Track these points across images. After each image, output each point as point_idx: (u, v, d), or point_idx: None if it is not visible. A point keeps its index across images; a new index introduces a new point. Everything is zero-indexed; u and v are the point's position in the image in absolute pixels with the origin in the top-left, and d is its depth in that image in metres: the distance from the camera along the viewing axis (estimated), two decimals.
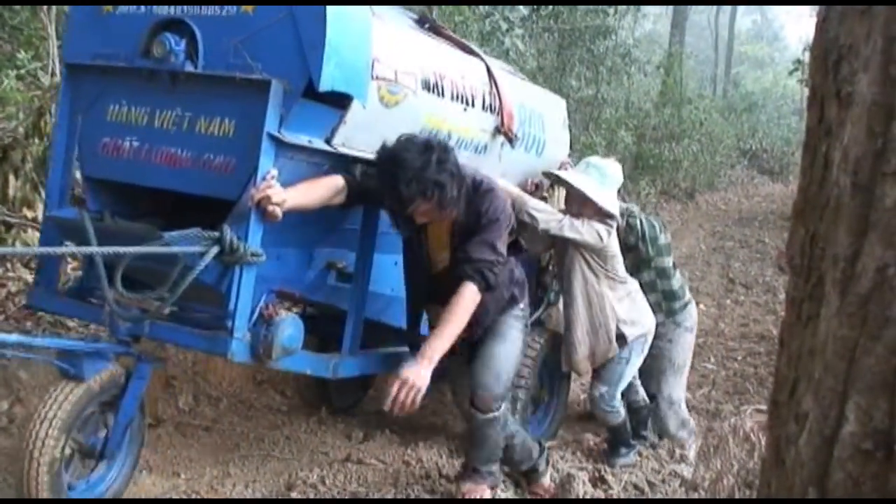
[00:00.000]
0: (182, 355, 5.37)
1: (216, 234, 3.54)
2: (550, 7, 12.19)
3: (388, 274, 4.70)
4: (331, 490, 4.32)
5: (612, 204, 4.97)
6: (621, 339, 5.02)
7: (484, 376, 4.10)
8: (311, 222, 4.12)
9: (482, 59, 4.90)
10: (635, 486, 4.81)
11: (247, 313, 3.73)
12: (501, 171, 4.96)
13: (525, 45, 10.73)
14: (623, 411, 5.30)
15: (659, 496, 4.80)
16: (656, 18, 34.96)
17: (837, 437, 1.33)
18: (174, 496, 4.19)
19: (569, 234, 4.87)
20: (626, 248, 5.34)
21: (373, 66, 3.90)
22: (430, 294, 4.31)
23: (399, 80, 4.07)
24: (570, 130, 6.10)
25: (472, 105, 4.67)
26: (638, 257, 5.47)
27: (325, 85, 3.60)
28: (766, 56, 45.35)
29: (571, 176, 5.11)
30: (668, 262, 5.62)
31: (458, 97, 4.55)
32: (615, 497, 4.64)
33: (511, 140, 4.97)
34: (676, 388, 5.65)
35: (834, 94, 1.42)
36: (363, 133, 3.99)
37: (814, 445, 1.37)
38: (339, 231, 4.41)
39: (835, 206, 1.37)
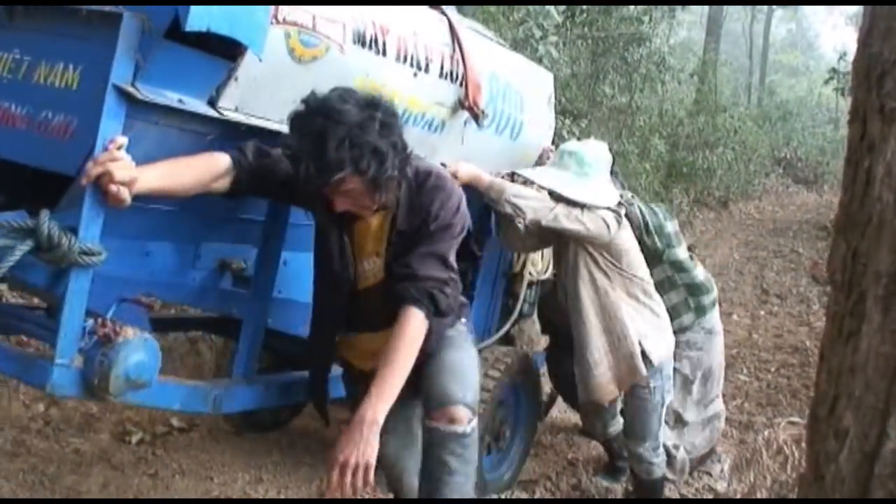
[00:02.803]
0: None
1: (33, 222, 2.63)
2: (585, 14, 12.17)
3: (306, 276, 3.58)
4: (362, 497, 4.34)
5: (596, 195, 4.12)
6: (645, 358, 4.15)
7: (448, 385, 3.10)
8: (195, 209, 3.24)
9: (444, 14, 3.99)
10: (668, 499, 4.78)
11: (77, 330, 2.76)
12: (464, 156, 4.17)
13: (559, 52, 10.72)
14: (664, 461, 4.46)
15: None
16: (691, 26, 34.80)
17: (878, 455, 1.32)
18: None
19: (567, 224, 4.03)
20: None
21: (276, 4, 3.02)
22: (349, 319, 3.35)
23: (318, 29, 3.13)
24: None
25: (426, 70, 3.74)
26: (645, 253, 4.54)
27: (193, 23, 2.58)
28: (800, 65, 45.04)
29: (538, 174, 4.30)
30: (682, 252, 4.77)
31: (405, 58, 3.62)
32: None
33: (477, 117, 4.03)
34: (714, 391, 5.00)
35: (877, 109, 1.41)
36: (265, 95, 3.10)
37: (854, 462, 1.37)
38: (236, 221, 3.49)
39: (877, 222, 1.36)
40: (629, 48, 13.74)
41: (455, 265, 3.14)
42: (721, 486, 4.92)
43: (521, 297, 4.86)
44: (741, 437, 5.84)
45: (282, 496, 4.34)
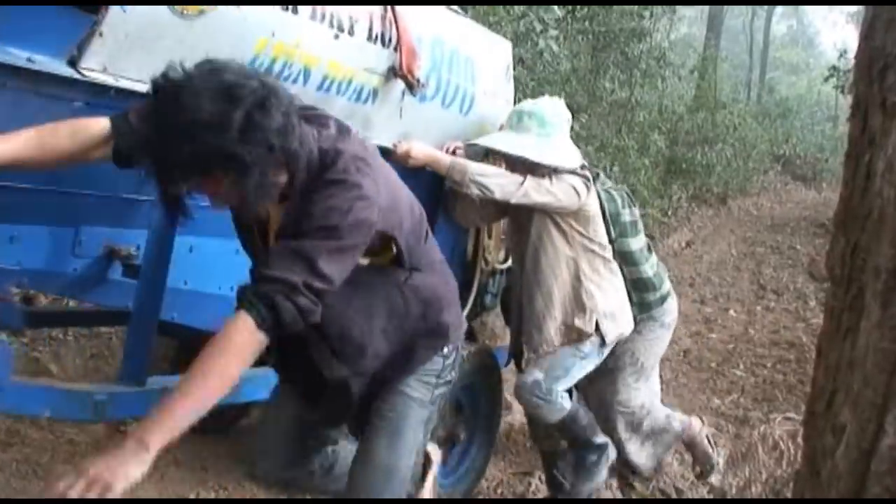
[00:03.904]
0: None
1: None
2: (586, 9, 12.15)
3: (217, 265, 3.17)
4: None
5: (563, 156, 3.90)
6: (599, 334, 3.96)
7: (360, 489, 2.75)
8: (74, 186, 2.77)
9: None
10: (662, 492, 4.78)
11: None
12: (405, 132, 3.73)
13: (559, 46, 10.69)
14: (567, 405, 4.02)
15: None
16: (692, 22, 34.80)
17: (876, 451, 1.31)
18: (202, 493, 4.21)
19: (537, 198, 3.79)
20: None
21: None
22: None
23: None
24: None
25: (350, 32, 3.22)
26: None
27: None
28: (801, 62, 45.04)
29: (500, 140, 3.95)
30: (635, 244, 4.33)
31: (324, 17, 3.10)
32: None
33: (412, 86, 3.55)
34: (636, 396, 4.48)
35: (879, 103, 1.40)
36: (140, 54, 2.58)
37: (851, 458, 1.36)
38: (124, 200, 2.97)
39: (877, 216, 1.36)
40: (630, 43, 13.71)
41: (331, 272, 2.31)
42: (716, 480, 4.91)
43: (476, 286, 4.43)
44: (737, 431, 5.83)
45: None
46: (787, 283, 11.51)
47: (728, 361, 7.82)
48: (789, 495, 3.99)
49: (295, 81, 3.07)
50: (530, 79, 10.02)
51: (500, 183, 3.76)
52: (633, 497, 4.67)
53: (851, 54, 1.62)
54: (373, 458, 2.75)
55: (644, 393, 4.50)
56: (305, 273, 2.26)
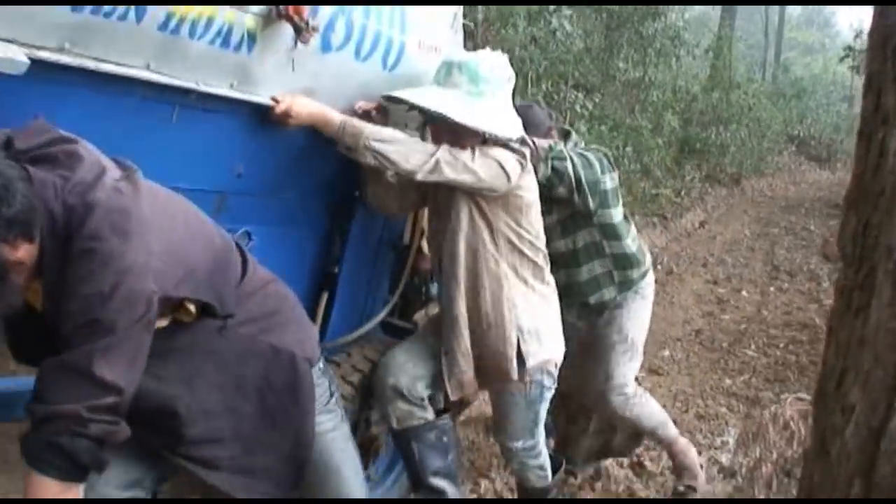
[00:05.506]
0: None
1: None
2: None
3: None
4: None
5: (497, 123, 3.09)
6: (520, 359, 3.22)
7: None
8: None
9: None
10: (672, 471, 4.79)
11: None
12: (303, 87, 2.92)
13: (573, 25, 10.67)
14: (549, 478, 3.65)
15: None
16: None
17: (885, 430, 1.31)
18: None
19: (452, 175, 2.99)
20: (555, 203, 3.65)
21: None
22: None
23: None
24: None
25: None
26: (572, 211, 3.67)
27: None
28: (816, 42, 44.89)
29: (416, 93, 3.11)
30: (617, 214, 3.82)
31: None
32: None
33: (298, 30, 2.69)
34: (629, 373, 4.06)
35: (892, 80, 1.39)
36: None
37: (860, 437, 1.36)
38: None
39: (890, 195, 1.35)
40: (644, 22, 13.66)
41: (116, 379, 1.86)
42: (725, 459, 4.92)
43: (406, 272, 3.80)
44: (748, 412, 5.83)
45: None
46: (800, 264, 11.49)
47: (740, 342, 7.81)
48: (800, 476, 3.98)
49: (123, 19, 2.24)
50: (543, 58, 10.00)
51: (403, 152, 2.97)
52: (645, 482, 4.68)
53: (867, 34, 1.62)
54: (330, 496, 2.59)
55: (634, 370, 4.12)
56: (85, 393, 1.84)
